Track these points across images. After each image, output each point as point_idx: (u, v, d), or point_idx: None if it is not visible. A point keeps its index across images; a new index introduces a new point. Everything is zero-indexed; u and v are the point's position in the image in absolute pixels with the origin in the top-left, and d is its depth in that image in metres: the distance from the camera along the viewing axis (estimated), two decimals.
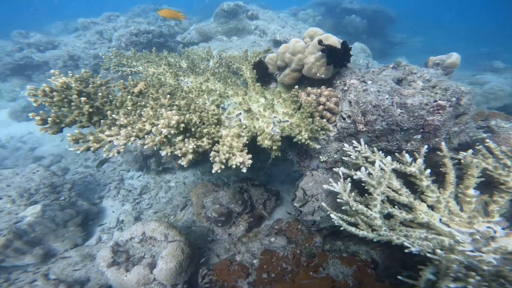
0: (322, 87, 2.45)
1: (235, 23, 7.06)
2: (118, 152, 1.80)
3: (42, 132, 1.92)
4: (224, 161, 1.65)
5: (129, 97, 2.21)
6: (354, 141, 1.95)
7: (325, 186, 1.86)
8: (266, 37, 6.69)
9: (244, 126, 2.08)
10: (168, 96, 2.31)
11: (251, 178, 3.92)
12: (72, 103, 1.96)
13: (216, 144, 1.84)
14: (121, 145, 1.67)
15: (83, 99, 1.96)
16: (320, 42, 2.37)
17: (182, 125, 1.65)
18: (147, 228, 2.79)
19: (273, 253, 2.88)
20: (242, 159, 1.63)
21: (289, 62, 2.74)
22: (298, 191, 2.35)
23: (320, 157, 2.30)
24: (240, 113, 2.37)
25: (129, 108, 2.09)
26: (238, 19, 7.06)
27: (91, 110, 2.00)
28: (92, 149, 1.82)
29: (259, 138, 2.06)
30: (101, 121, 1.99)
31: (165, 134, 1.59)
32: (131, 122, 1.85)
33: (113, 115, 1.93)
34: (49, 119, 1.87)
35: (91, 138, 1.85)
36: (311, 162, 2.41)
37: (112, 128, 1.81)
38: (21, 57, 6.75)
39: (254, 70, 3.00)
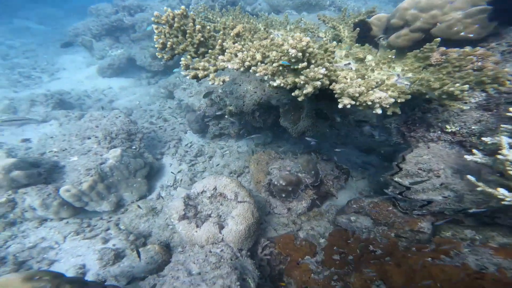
0: (467, 47, 1.97)
1: None
2: (223, 81, 1.63)
3: (159, 56, 1.92)
4: (357, 94, 1.35)
5: (231, 34, 2.06)
6: None
7: (469, 157, 1.45)
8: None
9: (359, 72, 1.75)
10: (271, 36, 2.09)
11: (319, 151, 3.58)
12: (187, 31, 1.89)
13: (334, 83, 1.55)
14: (235, 69, 1.49)
15: (198, 26, 1.86)
16: None
17: (310, 49, 1.39)
18: (219, 182, 2.68)
19: (347, 234, 2.55)
20: (382, 95, 1.32)
21: (412, 20, 2.29)
22: (407, 164, 1.94)
23: (447, 126, 1.85)
24: (349, 63, 2.03)
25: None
26: None
27: (202, 39, 1.90)
28: (200, 75, 1.71)
29: (375, 89, 1.71)
30: (209, 51, 1.88)
31: (293, 55, 1.35)
32: (243, 50, 1.66)
33: (224, 43, 1.78)
34: (168, 43, 1.84)
35: (200, 65, 1.74)
36: (428, 132, 1.97)
37: (226, 54, 1.65)
38: (115, 19, 7.38)
39: (358, 29, 2.60)
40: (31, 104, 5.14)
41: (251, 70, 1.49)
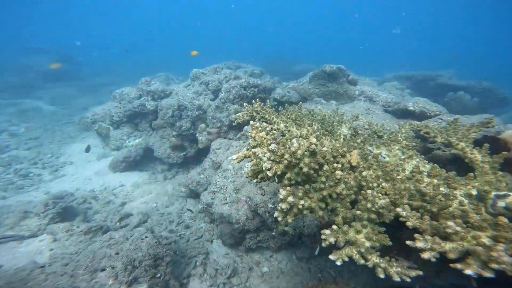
0: None
1: (335, 86, 6.94)
2: None
3: (280, 219, 1.28)
4: None
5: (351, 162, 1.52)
6: None
7: None
8: (376, 105, 6.26)
9: None
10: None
11: None
12: (322, 176, 1.33)
13: None
14: None
15: (338, 172, 1.31)
16: None
17: None
18: None
19: None
20: None
21: None
22: None
23: None
24: None
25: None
26: (338, 82, 6.94)
27: (349, 193, 1.32)
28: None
29: None
30: (357, 213, 1.27)
31: None
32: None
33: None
34: (300, 202, 1.24)
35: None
36: None
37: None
38: (138, 104, 7.11)
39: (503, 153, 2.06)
40: (22, 217, 4.16)
41: None
